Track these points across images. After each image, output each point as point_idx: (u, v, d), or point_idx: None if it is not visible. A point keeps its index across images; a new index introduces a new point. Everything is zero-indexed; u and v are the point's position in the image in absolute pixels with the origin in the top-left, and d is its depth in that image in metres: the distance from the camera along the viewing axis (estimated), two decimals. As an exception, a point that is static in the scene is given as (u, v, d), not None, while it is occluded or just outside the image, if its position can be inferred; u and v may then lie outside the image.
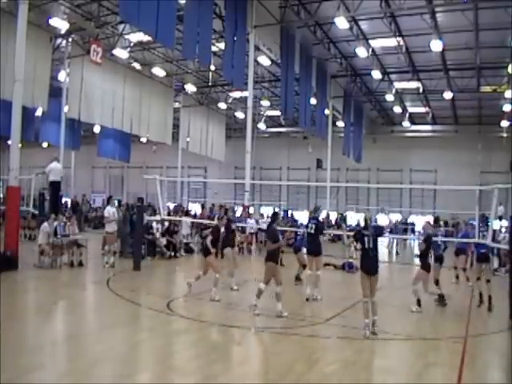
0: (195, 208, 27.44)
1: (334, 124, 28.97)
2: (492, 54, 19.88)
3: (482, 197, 12.35)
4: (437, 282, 10.09)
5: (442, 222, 21.69)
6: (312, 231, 9.97)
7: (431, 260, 10.05)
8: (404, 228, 25.22)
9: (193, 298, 9.57)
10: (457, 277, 12.71)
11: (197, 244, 18.25)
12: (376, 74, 22.20)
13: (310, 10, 18.12)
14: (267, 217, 22.68)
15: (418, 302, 9.00)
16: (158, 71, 24.21)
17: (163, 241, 15.59)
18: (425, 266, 9.27)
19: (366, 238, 7.41)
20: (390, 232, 24.44)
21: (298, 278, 11.49)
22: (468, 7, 16.19)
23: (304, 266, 11.14)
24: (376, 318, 7.26)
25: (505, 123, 27.07)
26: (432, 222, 11.79)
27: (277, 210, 21.20)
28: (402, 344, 7.14)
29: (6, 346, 5.66)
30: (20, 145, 12.15)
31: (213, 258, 9.60)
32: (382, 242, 24.64)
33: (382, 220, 22.75)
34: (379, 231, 7.81)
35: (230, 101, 30.40)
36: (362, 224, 8.23)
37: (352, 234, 8.42)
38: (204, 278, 9.46)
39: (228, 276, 10.50)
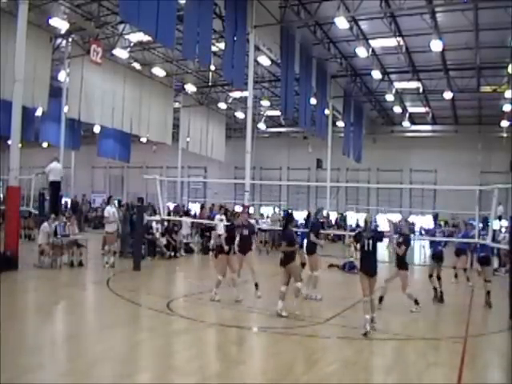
0: (195, 208, 27.46)
1: (334, 124, 28.94)
2: (492, 53, 19.87)
3: (482, 197, 12.35)
4: (429, 276, 10.27)
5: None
6: (307, 229, 10.12)
7: (429, 259, 10.09)
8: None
9: (193, 298, 9.58)
10: (455, 276, 12.68)
11: (197, 244, 18.28)
12: (376, 74, 22.20)
13: (310, 9, 18.11)
14: (267, 217, 22.68)
15: (416, 302, 9.00)
16: (158, 71, 24.21)
17: (163, 240, 15.59)
18: (404, 267, 9.03)
19: (365, 240, 7.53)
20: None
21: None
22: (468, 7, 16.18)
23: (303, 265, 11.17)
24: (375, 315, 7.49)
25: (505, 123, 27.06)
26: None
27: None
28: (402, 344, 7.14)
29: (5, 346, 5.65)
30: (20, 145, 12.14)
31: (224, 257, 9.31)
32: (383, 242, 24.63)
33: (382, 221, 22.75)
34: (379, 236, 7.88)
35: (230, 101, 30.39)
36: (363, 225, 8.31)
37: (353, 234, 8.54)
38: (210, 278, 9.34)
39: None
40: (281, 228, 19.28)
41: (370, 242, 7.49)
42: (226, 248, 9.32)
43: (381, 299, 9.07)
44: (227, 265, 9.35)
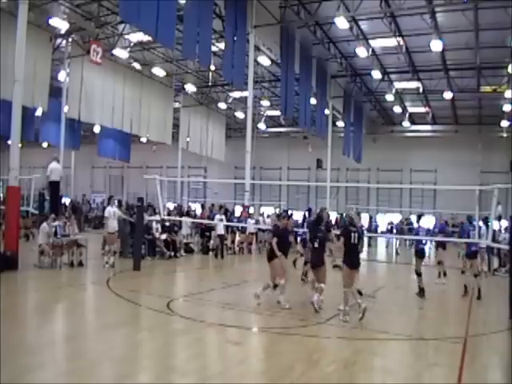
0: (195, 207, 27.41)
1: (334, 124, 28.96)
2: (492, 53, 19.90)
3: (481, 197, 12.35)
4: (419, 274, 10.46)
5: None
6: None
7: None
8: (408, 228, 25.33)
9: (193, 298, 9.58)
10: (439, 276, 12.55)
11: (197, 244, 18.28)
12: (376, 74, 22.21)
13: (310, 10, 18.13)
14: (267, 216, 22.64)
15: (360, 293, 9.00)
16: (158, 71, 24.22)
17: (163, 236, 15.49)
18: None
19: (352, 234, 8.01)
20: (391, 231, 24.43)
21: (305, 276, 11.46)
22: (468, 7, 16.21)
23: (306, 263, 11.21)
24: (360, 302, 7.84)
25: (505, 123, 27.09)
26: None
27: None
28: (402, 344, 7.14)
29: (5, 346, 5.65)
30: (20, 145, 12.14)
31: (278, 262, 8.87)
32: (383, 241, 24.64)
33: (381, 220, 22.79)
34: (362, 230, 8.49)
35: (230, 101, 30.41)
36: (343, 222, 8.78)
37: (339, 231, 9.15)
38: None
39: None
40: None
41: (356, 235, 8.02)
42: (280, 253, 8.84)
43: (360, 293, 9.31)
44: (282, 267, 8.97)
